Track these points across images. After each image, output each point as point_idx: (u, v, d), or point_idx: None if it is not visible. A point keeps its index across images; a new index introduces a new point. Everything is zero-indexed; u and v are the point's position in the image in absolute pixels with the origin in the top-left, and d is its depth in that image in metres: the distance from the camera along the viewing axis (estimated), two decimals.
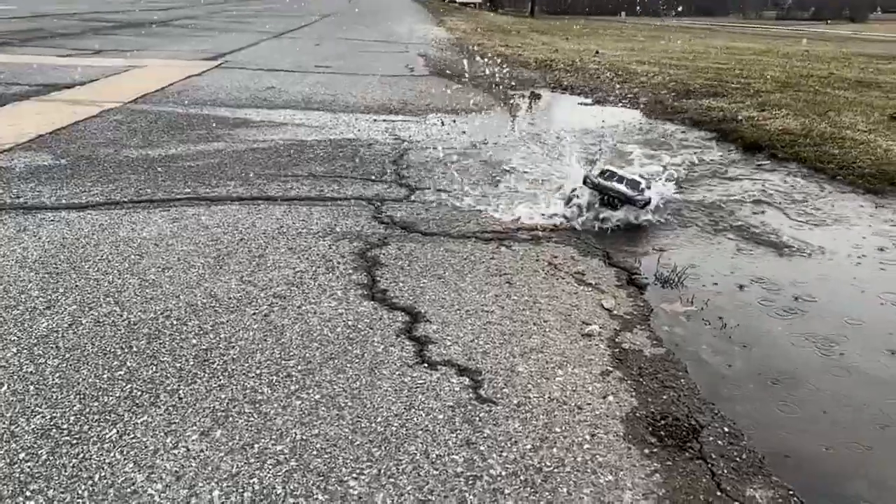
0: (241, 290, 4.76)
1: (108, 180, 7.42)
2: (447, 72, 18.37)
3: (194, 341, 4.06)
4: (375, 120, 11.67)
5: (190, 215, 6.37)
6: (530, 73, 18.89)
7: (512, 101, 14.40)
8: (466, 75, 16.52)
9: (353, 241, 5.74)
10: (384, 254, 5.47)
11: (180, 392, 3.54)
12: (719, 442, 3.36)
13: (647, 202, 6.43)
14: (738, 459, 3.25)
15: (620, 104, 14.40)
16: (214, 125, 10.69)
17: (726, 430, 3.47)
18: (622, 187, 6.33)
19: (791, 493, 3.04)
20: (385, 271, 5.13)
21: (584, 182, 6.51)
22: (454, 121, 11.80)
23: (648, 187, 6.55)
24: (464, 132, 10.89)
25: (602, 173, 6.47)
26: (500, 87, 16.04)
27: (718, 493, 3.01)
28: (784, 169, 9.07)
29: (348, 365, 3.82)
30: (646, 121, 12.50)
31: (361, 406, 3.46)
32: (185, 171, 8.00)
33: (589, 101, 14.85)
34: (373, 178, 7.89)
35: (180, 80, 14.82)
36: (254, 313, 4.41)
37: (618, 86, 16.22)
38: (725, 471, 3.16)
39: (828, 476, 3.23)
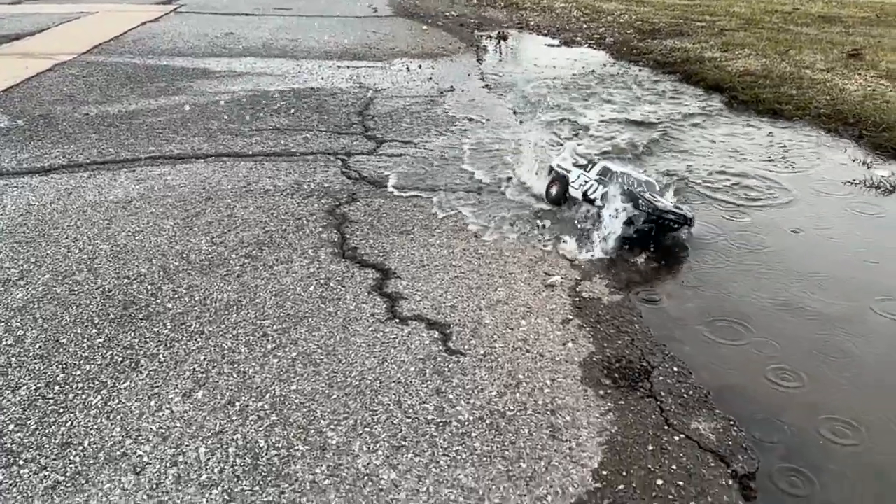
0: (213, 251, 4.84)
1: (68, 141, 7.28)
2: (412, 12, 17.93)
3: (170, 305, 4.17)
4: (339, 66, 11.46)
5: (156, 175, 6.33)
6: (497, 12, 18.52)
7: (479, 44, 14.20)
8: (431, 15, 16.17)
9: (322, 198, 5.81)
10: (353, 210, 5.57)
11: (160, 356, 3.69)
12: (668, 381, 3.66)
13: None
14: (685, 396, 3.55)
15: (587, 45, 14.32)
16: (174, 77, 10.40)
17: (675, 369, 3.76)
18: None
19: (732, 423, 3.36)
20: (355, 228, 5.24)
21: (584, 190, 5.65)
22: (420, 66, 11.65)
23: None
24: (430, 78, 10.78)
25: (603, 171, 5.53)
26: (466, 28, 15.75)
27: (666, 428, 3.31)
28: (745, 115, 9.27)
29: (322, 323, 3.99)
30: (613, 63, 12.50)
31: (337, 362, 3.65)
32: (147, 127, 7.86)
33: (556, 42, 14.72)
34: (339, 130, 7.86)
35: (135, 27, 14.23)
36: (226, 275, 4.52)
37: (584, 25, 16.07)
38: (673, 407, 3.46)
39: (765, 406, 3.55)
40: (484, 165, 6.76)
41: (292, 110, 8.64)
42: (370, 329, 3.95)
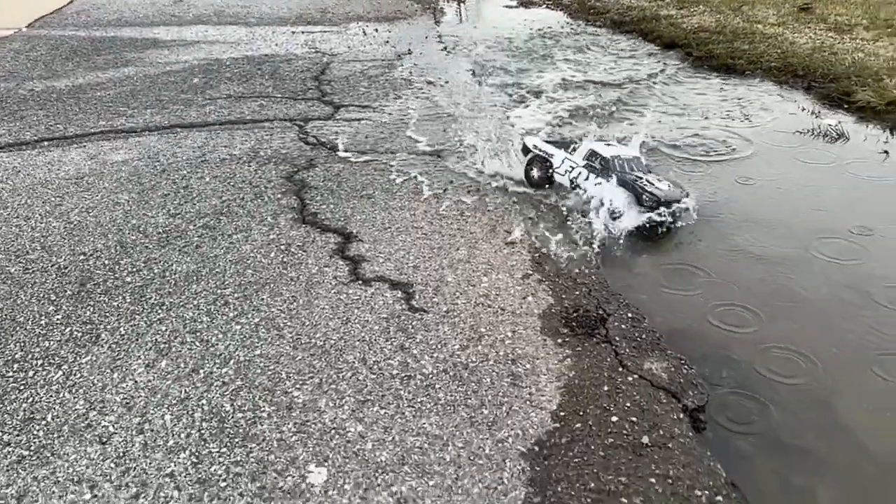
0: (170, 223, 4.79)
1: (14, 118, 7.02)
2: None
3: (128, 279, 4.13)
4: (293, 32, 11.21)
5: (108, 150, 6.18)
6: None
7: (436, 6, 14.00)
8: None
9: (280, 165, 5.76)
10: (312, 176, 5.54)
11: (121, 329, 3.67)
12: (623, 326, 3.79)
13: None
14: (638, 339, 3.68)
15: (545, 5, 14.22)
16: (122, 48, 10.05)
17: (630, 315, 3.89)
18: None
19: (682, 361, 3.51)
20: (314, 194, 5.22)
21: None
22: (376, 29, 11.47)
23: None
24: (387, 42, 10.64)
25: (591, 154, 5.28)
26: None
27: (620, 370, 3.44)
28: (700, 71, 9.39)
29: (284, 288, 4.01)
30: (570, 23, 12.47)
31: (300, 325, 3.68)
32: (96, 101, 7.62)
33: (514, 3, 14.60)
34: (295, 96, 7.74)
35: None
36: (185, 246, 4.48)
37: None
38: (627, 350, 3.59)
39: (714, 345, 3.72)
40: (444, 129, 6.76)
41: (246, 78, 8.46)
42: (333, 292, 3.98)
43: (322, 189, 5.31)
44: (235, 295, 3.95)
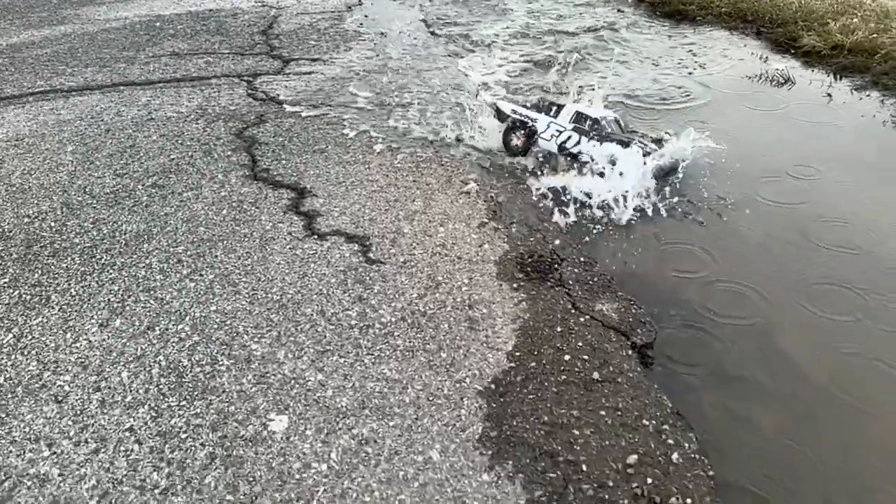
0: (117, 183, 4.65)
1: None
2: None
3: (77, 240, 4.03)
4: None
5: (48, 110, 5.91)
6: None
7: None
8: None
9: (229, 122, 5.61)
10: (262, 132, 5.42)
11: (72, 290, 3.60)
12: (576, 270, 3.89)
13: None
14: (590, 282, 3.79)
15: None
16: (58, 5, 9.52)
17: (582, 260, 3.99)
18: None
19: (632, 302, 3.64)
20: (266, 150, 5.13)
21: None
22: None
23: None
24: None
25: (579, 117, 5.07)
26: None
27: (573, 311, 3.55)
28: (653, 19, 9.41)
29: (238, 245, 3.97)
30: None
31: (256, 280, 3.67)
32: (33, 60, 7.24)
33: None
34: (242, 52, 7.49)
35: None
36: (134, 205, 4.37)
37: None
38: (580, 292, 3.70)
39: (663, 287, 3.86)
40: (396, 81, 6.66)
41: (191, 34, 8.14)
42: (288, 247, 3.96)
43: (273, 145, 5.22)
44: (188, 253, 3.90)
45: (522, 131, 5.19)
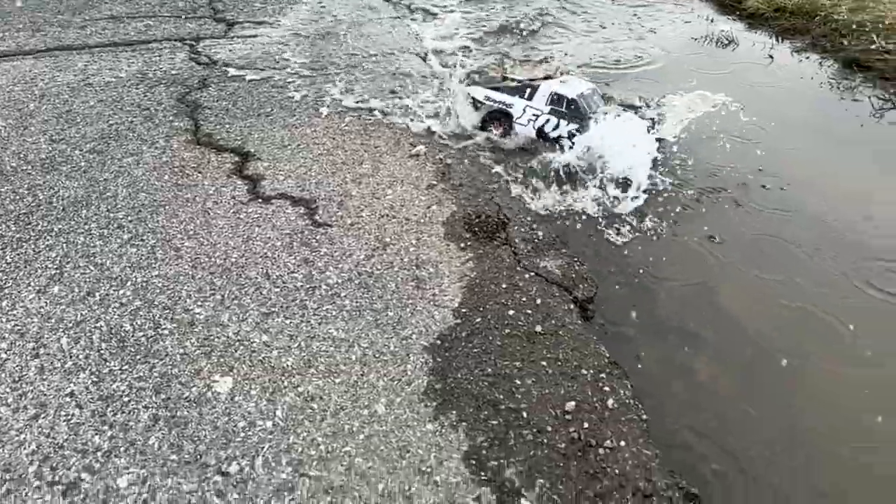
0: (53, 149, 4.48)
1: None
2: None
3: (11, 207, 3.88)
4: None
5: None
6: None
7: None
8: None
9: (171, 87, 5.43)
10: (206, 96, 5.27)
11: (7, 258, 3.48)
12: (522, 229, 3.95)
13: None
14: (535, 241, 3.87)
15: None
16: None
17: (529, 219, 4.06)
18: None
19: (575, 259, 3.73)
20: (209, 114, 5.00)
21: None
22: None
23: None
24: None
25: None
26: None
27: (518, 268, 3.62)
28: None
29: (181, 210, 3.90)
30: None
31: (199, 245, 3.62)
32: None
33: None
34: (185, 14, 7.21)
35: None
36: (72, 171, 4.23)
37: None
38: (525, 250, 3.77)
39: (602, 243, 3.96)
40: (344, 43, 6.54)
41: None
42: (232, 211, 3.91)
43: (217, 109, 5.09)
44: (129, 218, 3.81)
45: (500, 121, 5.02)
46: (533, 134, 4.93)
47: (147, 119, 4.92)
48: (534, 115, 4.88)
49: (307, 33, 6.79)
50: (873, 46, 6.35)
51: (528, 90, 4.94)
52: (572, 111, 4.77)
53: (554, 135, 4.84)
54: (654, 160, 4.57)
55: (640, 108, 5.13)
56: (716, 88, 6.00)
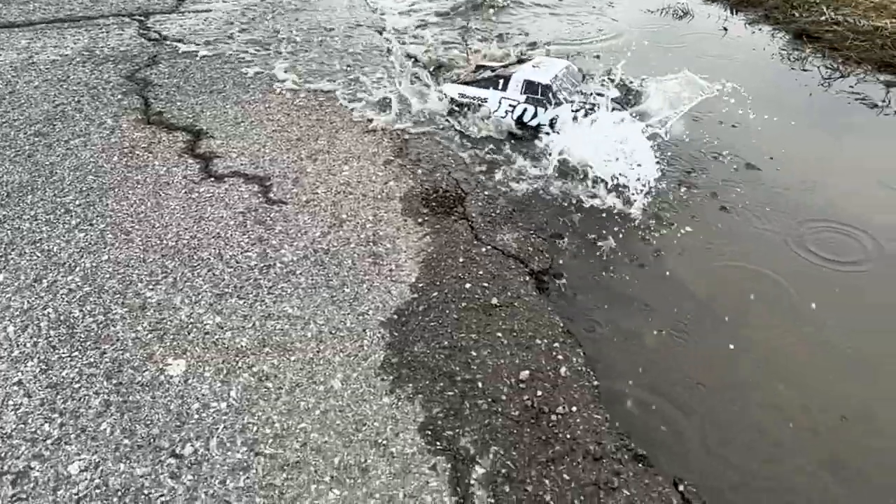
0: None
1: None
2: None
3: None
4: None
5: None
6: None
7: None
8: None
9: (119, 64, 5.27)
10: (156, 73, 5.13)
11: None
12: (479, 203, 3.96)
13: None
14: (493, 215, 3.88)
15: None
16: None
17: (486, 193, 4.06)
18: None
19: (531, 231, 3.76)
20: (159, 92, 4.87)
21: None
22: None
23: None
24: None
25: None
26: None
27: (475, 242, 3.64)
28: None
29: (131, 192, 3.81)
30: None
31: (150, 227, 3.55)
32: None
33: None
34: None
35: None
36: (15, 155, 4.10)
37: None
38: (483, 224, 3.79)
39: (559, 215, 3.99)
40: (300, 17, 6.39)
41: None
42: (184, 191, 3.84)
43: (167, 86, 4.96)
44: (77, 202, 3.72)
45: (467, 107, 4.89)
46: (513, 125, 4.79)
47: (94, 98, 4.77)
48: (510, 105, 4.76)
49: (262, 7, 6.62)
50: (823, 18, 6.44)
51: (502, 80, 4.79)
52: (546, 97, 4.64)
53: (533, 123, 4.74)
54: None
55: (627, 88, 4.98)
56: (674, 62, 6.06)
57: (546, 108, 4.67)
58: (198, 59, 5.43)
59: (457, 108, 4.91)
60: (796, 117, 5.09)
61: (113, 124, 4.45)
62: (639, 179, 4.08)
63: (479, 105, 4.82)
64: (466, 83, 4.98)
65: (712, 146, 4.65)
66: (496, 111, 4.81)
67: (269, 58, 5.53)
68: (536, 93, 4.65)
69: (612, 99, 4.64)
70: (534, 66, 4.84)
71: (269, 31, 6.11)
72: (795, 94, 5.47)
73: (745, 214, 4.00)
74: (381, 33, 5.63)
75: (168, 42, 5.70)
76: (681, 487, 2.48)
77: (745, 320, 3.28)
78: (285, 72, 5.22)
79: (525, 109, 4.72)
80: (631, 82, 5.13)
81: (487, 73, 4.98)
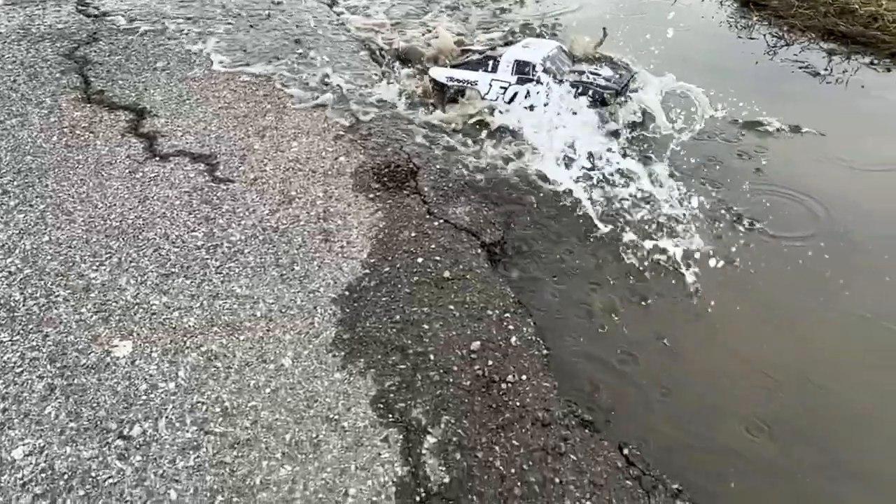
0: None
1: None
2: None
3: None
4: None
5: None
6: None
7: None
8: None
9: (57, 42, 5.06)
10: (96, 51, 4.94)
11: None
12: (432, 177, 3.96)
13: None
14: (445, 189, 3.89)
15: None
16: None
17: (438, 167, 4.07)
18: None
19: (483, 203, 3.78)
20: (100, 70, 4.70)
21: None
22: None
23: None
24: None
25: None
26: None
27: (428, 217, 3.65)
28: None
29: (72, 172, 3.70)
30: None
31: (93, 207, 3.46)
32: None
33: None
34: None
35: None
36: None
37: None
38: (435, 199, 3.79)
39: (509, 187, 4.02)
40: None
41: None
42: (128, 171, 3.74)
43: (109, 64, 4.79)
44: (15, 183, 3.59)
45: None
46: (505, 105, 4.66)
47: (31, 77, 4.58)
48: (501, 87, 4.59)
49: None
50: None
51: (491, 62, 4.62)
52: (537, 77, 4.49)
53: (527, 104, 4.59)
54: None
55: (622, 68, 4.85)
56: (631, 37, 6.11)
57: (539, 89, 4.46)
58: (140, 35, 5.25)
59: (441, 90, 4.78)
60: (744, 85, 5.18)
61: (52, 104, 4.29)
62: (590, 158, 4.14)
63: (470, 88, 4.67)
64: (454, 66, 4.80)
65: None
66: (487, 94, 4.65)
67: (214, 32, 5.38)
68: (527, 73, 4.47)
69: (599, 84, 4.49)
70: (523, 47, 4.69)
71: (215, 4, 5.93)
72: (742, 61, 5.58)
73: (688, 181, 4.09)
74: (331, 6, 5.52)
75: (108, 18, 5.48)
76: (625, 451, 2.56)
77: (688, 290, 3.38)
78: (221, 53, 5.04)
79: (517, 92, 4.52)
80: (622, 60, 5.09)
81: (475, 56, 4.82)
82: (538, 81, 4.44)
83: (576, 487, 2.41)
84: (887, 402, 2.84)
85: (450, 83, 4.74)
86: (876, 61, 5.69)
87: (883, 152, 4.43)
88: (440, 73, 4.80)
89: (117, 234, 3.30)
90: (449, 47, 5.11)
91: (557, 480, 2.43)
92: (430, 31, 5.71)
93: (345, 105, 4.59)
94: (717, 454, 2.62)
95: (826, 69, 5.56)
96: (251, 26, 5.56)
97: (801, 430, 2.72)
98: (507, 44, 5.00)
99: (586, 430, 2.62)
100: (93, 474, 2.30)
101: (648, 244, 3.53)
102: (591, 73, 4.58)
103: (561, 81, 4.44)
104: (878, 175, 4.24)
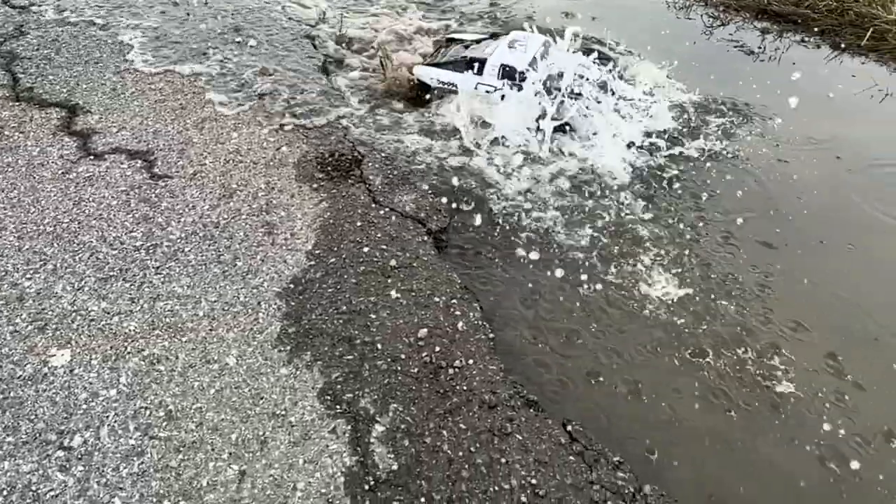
0: None
1: None
2: None
3: None
4: None
5: None
6: None
7: None
8: None
9: None
10: (23, 45, 4.71)
11: None
12: (377, 166, 3.93)
13: None
14: (391, 176, 3.86)
15: None
16: None
17: (383, 155, 4.03)
18: None
19: (428, 191, 3.78)
20: (28, 65, 4.49)
21: None
22: None
23: None
24: None
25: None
26: None
27: (373, 205, 3.63)
28: None
29: (0, 176, 3.56)
30: None
31: (24, 213, 3.34)
32: None
33: None
34: None
35: None
36: None
37: None
38: (381, 187, 3.77)
39: (455, 171, 4.02)
40: None
41: None
42: (60, 172, 3.61)
43: (37, 59, 4.58)
44: None
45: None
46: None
47: None
48: (487, 92, 4.38)
49: None
50: None
51: (476, 64, 4.39)
52: (524, 80, 4.28)
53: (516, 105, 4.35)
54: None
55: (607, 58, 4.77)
56: (574, 8, 6.10)
57: (520, 90, 4.28)
58: (71, 26, 5.03)
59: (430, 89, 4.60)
60: (682, 65, 5.22)
61: None
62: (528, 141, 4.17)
63: (455, 91, 4.48)
64: (438, 64, 4.59)
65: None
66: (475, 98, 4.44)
67: (148, 22, 5.19)
68: (515, 78, 4.27)
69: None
70: (510, 47, 4.43)
71: None
72: (680, 42, 5.62)
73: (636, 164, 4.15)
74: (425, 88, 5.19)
75: (35, 9, 5.23)
76: (569, 428, 2.63)
77: (630, 262, 3.45)
78: (143, 53, 4.80)
79: (503, 96, 4.32)
80: (610, 47, 5.00)
81: (460, 52, 4.59)
82: (521, 88, 4.28)
83: (521, 466, 2.47)
84: None
85: (435, 84, 4.55)
86: (806, 38, 5.82)
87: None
88: (425, 73, 4.59)
89: (51, 240, 3.20)
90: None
91: (504, 461, 2.48)
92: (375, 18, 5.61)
93: (286, 95, 4.50)
94: (658, 426, 2.71)
95: (759, 48, 5.67)
96: (185, 19, 5.36)
97: (737, 399, 2.83)
98: (492, 35, 4.78)
99: (531, 410, 2.68)
100: (33, 488, 2.27)
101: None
102: (579, 74, 4.42)
103: (550, 91, 4.28)
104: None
